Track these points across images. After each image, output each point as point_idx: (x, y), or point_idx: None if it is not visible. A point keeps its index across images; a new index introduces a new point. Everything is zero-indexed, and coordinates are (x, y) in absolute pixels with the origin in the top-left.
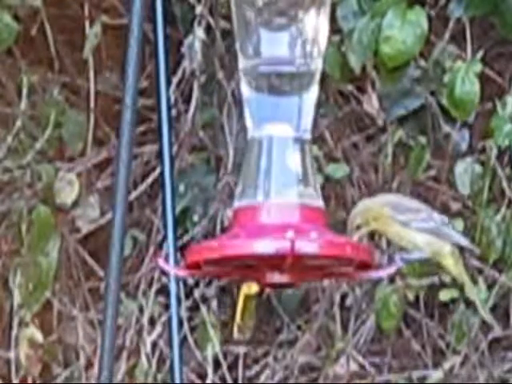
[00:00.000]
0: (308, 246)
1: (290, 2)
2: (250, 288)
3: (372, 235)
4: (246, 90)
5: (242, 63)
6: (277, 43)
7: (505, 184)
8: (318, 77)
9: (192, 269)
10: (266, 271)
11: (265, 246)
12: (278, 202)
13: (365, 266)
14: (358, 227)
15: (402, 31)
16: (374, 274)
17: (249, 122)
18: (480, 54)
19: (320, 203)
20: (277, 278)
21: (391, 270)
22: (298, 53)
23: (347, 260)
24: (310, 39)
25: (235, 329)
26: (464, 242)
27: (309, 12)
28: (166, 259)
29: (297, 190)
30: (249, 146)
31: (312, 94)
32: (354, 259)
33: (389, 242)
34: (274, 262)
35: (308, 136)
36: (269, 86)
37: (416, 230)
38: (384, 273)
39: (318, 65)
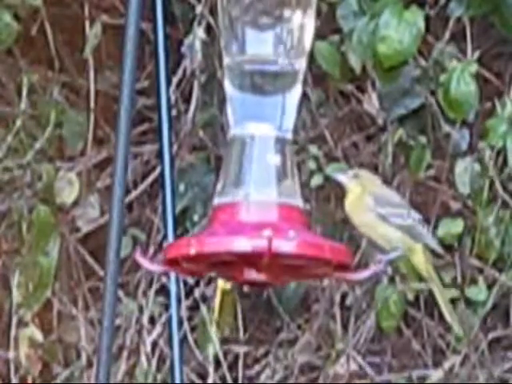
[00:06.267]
0: (285, 245)
1: (276, 1)
2: (227, 283)
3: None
4: (229, 88)
5: (225, 61)
6: (261, 42)
7: (498, 185)
8: (301, 76)
9: (170, 265)
10: (244, 269)
11: (242, 244)
12: (258, 200)
13: (343, 267)
14: (356, 176)
15: (399, 31)
16: (351, 276)
17: (231, 120)
18: (477, 54)
19: (300, 202)
20: (254, 276)
21: (369, 272)
22: (282, 52)
23: (325, 260)
24: (295, 39)
25: (213, 326)
26: (433, 243)
27: (295, 12)
28: (145, 254)
29: (277, 188)
30: (230, 143)
31: (295, 93)
32: (331, 260)
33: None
34: (252, 260)
35: (290, 136)
36: (252, 85)
37: (392, 225)
38: (361, 275)
39: (302, 64)
